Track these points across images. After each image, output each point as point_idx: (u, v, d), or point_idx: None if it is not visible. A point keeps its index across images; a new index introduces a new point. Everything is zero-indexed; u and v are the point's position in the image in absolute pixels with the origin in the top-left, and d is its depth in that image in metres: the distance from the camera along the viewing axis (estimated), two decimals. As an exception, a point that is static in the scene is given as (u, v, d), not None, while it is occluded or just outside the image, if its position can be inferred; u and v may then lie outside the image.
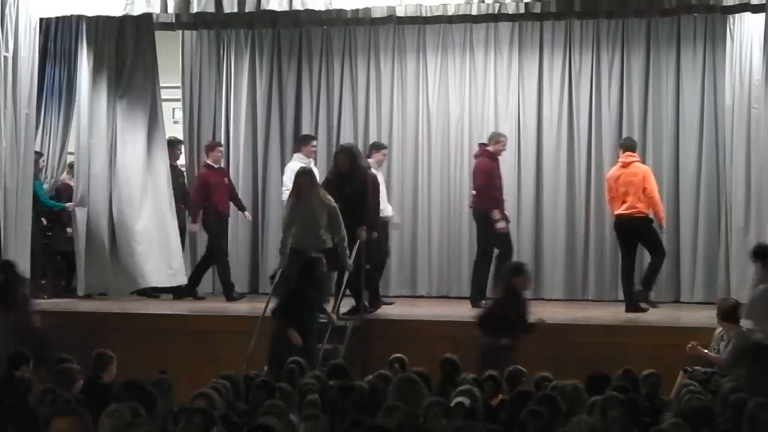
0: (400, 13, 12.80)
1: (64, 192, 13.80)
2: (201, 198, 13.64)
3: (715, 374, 9.60)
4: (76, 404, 6.48)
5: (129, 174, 13.55)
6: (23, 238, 12.68)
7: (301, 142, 13.82)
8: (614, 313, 12.36)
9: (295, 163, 12.97)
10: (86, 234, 13.40)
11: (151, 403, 6.86)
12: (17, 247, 12.52)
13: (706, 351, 9.92)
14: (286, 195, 12.25)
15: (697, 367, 9.77)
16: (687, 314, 12.48)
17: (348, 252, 11.22)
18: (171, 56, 14.40)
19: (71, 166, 13.94)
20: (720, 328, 10.02)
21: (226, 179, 13.93)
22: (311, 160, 13.44)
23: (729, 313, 10.00)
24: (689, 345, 9.96)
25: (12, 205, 12.50)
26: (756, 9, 11.87)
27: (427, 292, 14.28)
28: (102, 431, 5.91)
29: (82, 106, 13.44)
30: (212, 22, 13.49)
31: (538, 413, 6.48)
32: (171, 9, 12.49)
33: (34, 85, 12.82)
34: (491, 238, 12.78)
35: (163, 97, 14.59)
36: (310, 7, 12.12)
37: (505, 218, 12.95)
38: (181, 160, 14.64)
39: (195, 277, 13.80)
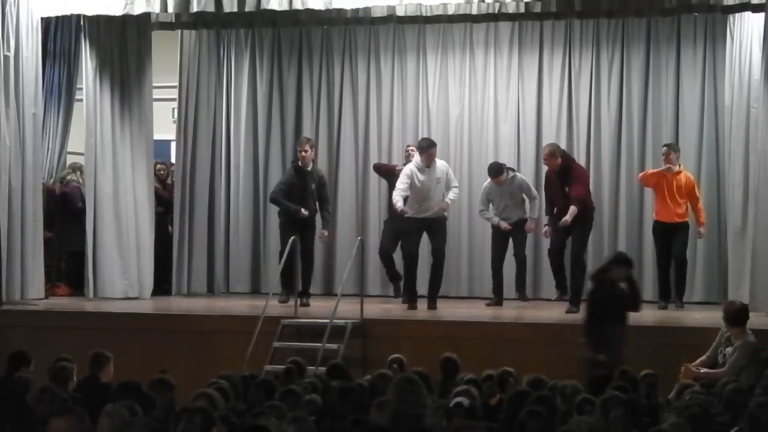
0: (400, 12, 12.79)
1: (76, 193, 13.69)
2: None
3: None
4: (74, 403, 6.46)
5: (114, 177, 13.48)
6: (34, 236, 12.70)
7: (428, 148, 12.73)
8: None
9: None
10: (93, 235, 13.33)
11: (149, 403, 6.85)
12: (27, 245, 12.55)
13: (704, 370, 9.48)
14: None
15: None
16: (686, 314, 12.47)
17: None
18: (170, 56, 14.36)
19: (76, 167, 13.85)
20: (725, 329, 9.69)
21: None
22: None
23: (736, 316, 9.66)
24: (682, 367, 9.48)
25: (17, 204, 12.51)
26: (756, 8, 11.88)
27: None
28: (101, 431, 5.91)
29: (89, 107, 13.40)
30: (212, 22, 13.47)
31: (537, 413, 6.47)
32: (171, 8, 12.51)
33: (39, 84, 12.84)
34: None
35: (162, 96, 14.57)
36: (310, 7, 12.15)
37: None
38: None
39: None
